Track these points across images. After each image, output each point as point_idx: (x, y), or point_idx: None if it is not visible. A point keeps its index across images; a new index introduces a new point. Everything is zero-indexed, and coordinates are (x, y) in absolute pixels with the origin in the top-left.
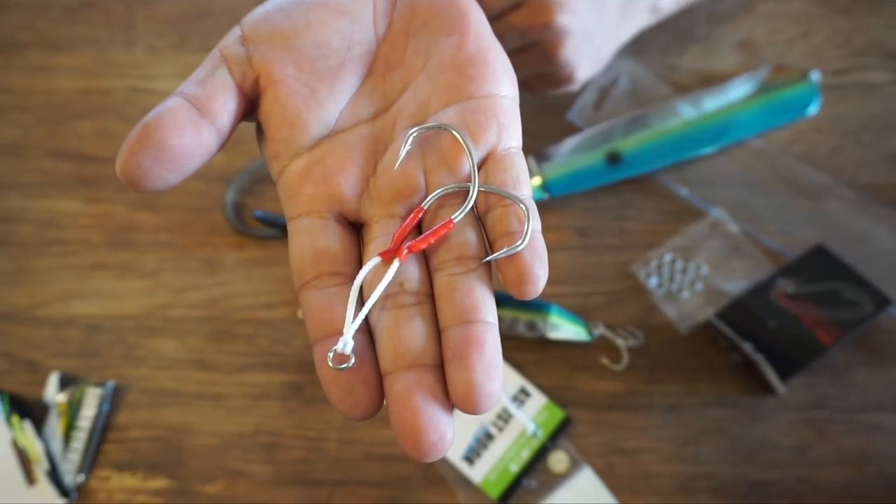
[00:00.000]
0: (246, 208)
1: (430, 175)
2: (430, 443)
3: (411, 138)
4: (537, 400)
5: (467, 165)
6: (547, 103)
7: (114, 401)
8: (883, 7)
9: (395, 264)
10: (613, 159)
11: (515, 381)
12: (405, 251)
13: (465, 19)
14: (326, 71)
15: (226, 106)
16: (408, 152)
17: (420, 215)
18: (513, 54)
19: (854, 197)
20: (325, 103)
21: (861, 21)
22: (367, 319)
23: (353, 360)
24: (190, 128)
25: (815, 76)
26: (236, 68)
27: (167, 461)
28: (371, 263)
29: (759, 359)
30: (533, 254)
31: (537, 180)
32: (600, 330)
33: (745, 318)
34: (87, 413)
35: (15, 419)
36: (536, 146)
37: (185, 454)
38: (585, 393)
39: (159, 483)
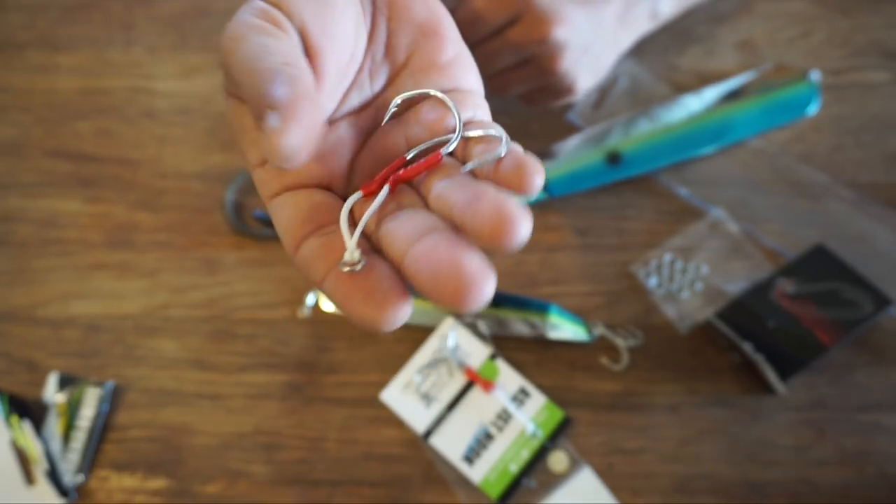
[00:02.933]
0: (246, 208)
1: (412, 144)
2: (470, 276)
3: (399, 100)
4: (537, 400)
5: (448, 131)
6: None
7: (113, 401)
8: (883, 7)
9: (385, 189)
10: (613, 159)
11: (515, 380)
12: (393, 181)
13: (442, 25)
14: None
15: None
16: (391, 124)
17: (402, 164)
18: (512, 69)
19: (854, 197)
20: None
21: (861, 21)
22: (369, 241)
23: (363, 262)
24: None
25: (815, 76)
26: None
27: (167, 461)
28: (356, 196)
29: (759, 359)
30: (524, 152)
31: None
32: (600, 330)
33: (744, 318)
34: (87, 413)
35: (14, 419)
36: (536, 146)
37: (185, 454)
38: (585, 393)
39: (159, 483)
